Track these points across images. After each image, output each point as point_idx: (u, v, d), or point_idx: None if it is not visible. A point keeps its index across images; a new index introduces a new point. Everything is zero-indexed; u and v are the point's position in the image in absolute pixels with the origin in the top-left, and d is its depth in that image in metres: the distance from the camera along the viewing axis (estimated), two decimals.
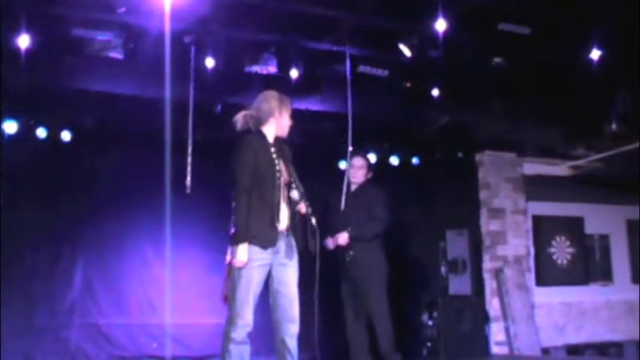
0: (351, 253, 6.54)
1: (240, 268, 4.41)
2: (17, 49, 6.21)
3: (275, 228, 4.50)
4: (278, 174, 4.57)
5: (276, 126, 4.73)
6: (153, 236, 7.94)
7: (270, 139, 4.71)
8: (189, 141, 6.57)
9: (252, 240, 4.40)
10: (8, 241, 7.53)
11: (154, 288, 8.14)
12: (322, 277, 6.86)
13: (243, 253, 4.36)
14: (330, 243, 6.53)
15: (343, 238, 6.47)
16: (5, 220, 7.51)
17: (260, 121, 4.66)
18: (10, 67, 6.39)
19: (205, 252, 7.97)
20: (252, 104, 4.77)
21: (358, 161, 6.88)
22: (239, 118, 4.68)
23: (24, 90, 7.02)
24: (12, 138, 7.64)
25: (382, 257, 6.67)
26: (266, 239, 4.46)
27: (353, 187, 6.80)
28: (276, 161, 4.60)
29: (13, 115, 7.60)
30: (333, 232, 6.56)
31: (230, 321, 4.46)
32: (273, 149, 4.64)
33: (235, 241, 4.38)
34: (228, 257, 4.55)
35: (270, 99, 4.74)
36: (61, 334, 7.73)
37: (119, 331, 7.97)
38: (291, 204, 4.65)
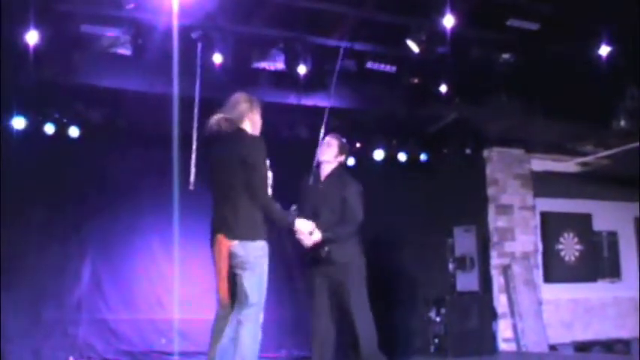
0: (326, 249, 5.73)
1: (262, 265, 4.55)
2: (26, 46, 6.23)
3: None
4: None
5: (251, 126, 4.75)
6: (161, 232, 7.95)
7: None
8: (194, 137, 6.56)
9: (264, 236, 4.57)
10: (16, 236, 7.56)
11: (162, 283, 8.16)
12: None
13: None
14: (305, 239, 5.59)
15: (317, 238, 5.56)
16: (13, 215, 7.53)
17: (234, 123, 4.67)
18: (18, 63, 6.41)
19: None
20: (224, 108, 4.74)
21: (327, 138, 6.01)
22: (213, 123, 4.67)
23: (32, 86, 7.04)
24: (20, 134, 7.66)
25: (358, 252, 5.90)
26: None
27: (324, 172, 5.92)
28: None
29: (21, 111, 7.62)
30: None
31: (257, 318, 4.60)
32: None
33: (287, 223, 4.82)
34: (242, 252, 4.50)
35: (241, 101, 4.75)
36: (69, 329, 7.77)
37: (127, 327, 8.00)
38: None
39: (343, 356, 6.05)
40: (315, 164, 5.98)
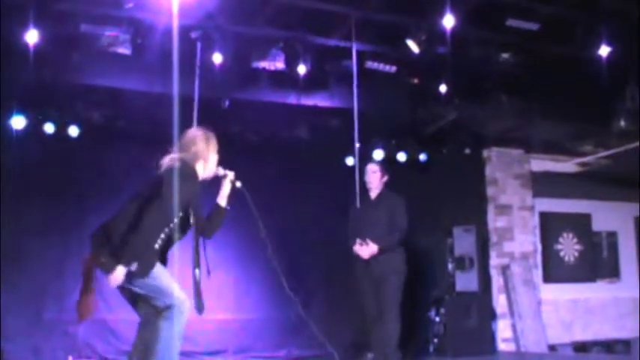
0: (376, 259, 6.82)
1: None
2: (25, 45, 6.23)
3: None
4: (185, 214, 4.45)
5: (204, 166, 4.51)
6: None
7: (200, 177, 4.51)
8: None
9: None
10: (17, 236, 7.56)
11: None
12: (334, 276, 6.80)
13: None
14: (362, 252, 6.80)
15: (372, 250, 6.74)
16: (13, 215, 7.53)
17: (189, 161, 4.43)
18: (18, 62, 6.41)
19: (212, 248, 7.98)
20: (180, 144, 4.54)
21: (372, 166, 7.11)
22: (166, 162, 4.42)
23: (32, 85, 7.04)
24: (20, 133, 7.67)
25: (403, 261, 6.93)
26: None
27: (373, 195, 7.06)
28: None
29: (21, 111, 7.63)
30: (359, 236, 6.85)
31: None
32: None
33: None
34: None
35: (197, 141, 4.50)
36: (69, 329, 7.75)
37: (127, 327, 7.95)
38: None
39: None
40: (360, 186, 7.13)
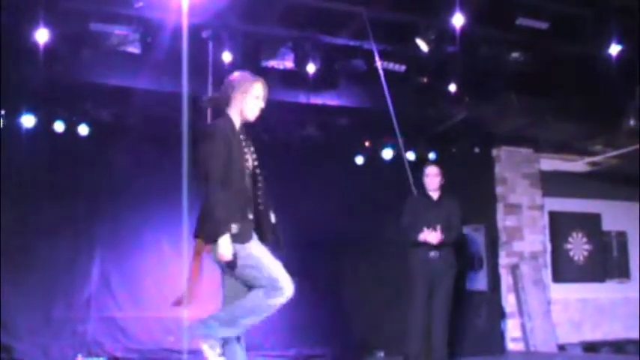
0: (437, 251, 7.19)
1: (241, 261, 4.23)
2: (35, 44, 6.25)
3: (249, 220, 4.29)
4: (247, 162, 4.32)
5: (237, 112, 4.40)
6: (169, 230, 7.94)
7: (237, 123, 4.40)
8: None
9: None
10: (26, 235, 7.59)
11: (171, 281, 8.15)
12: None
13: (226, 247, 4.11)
14: (431, 237, 7.12)
15: (440, 237, 7.11)
16: (23, 214, 7.57)
17: (221, 104, 4.40)
18: (28, 61, 6.43)
19: None
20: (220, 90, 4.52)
21: (433, 169, 7.49)
22: (205, 102, 4.58)
23: (41, 84, 7.06)
24: (30, 132, 7.70)
25: (455, 261, 7.38)
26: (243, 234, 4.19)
27: (434, 196, 7.44)
28: (245, 149, 4.34)
29: (31, 109, 7.65)
30: (422, 227, 7.19)
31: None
32: (241, 136, 4.37)
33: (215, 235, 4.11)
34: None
35: (230, 81, 4.44)
36: (78, 327, 7.78)
37: (136, 325, 8.01)
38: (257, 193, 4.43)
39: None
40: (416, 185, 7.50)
